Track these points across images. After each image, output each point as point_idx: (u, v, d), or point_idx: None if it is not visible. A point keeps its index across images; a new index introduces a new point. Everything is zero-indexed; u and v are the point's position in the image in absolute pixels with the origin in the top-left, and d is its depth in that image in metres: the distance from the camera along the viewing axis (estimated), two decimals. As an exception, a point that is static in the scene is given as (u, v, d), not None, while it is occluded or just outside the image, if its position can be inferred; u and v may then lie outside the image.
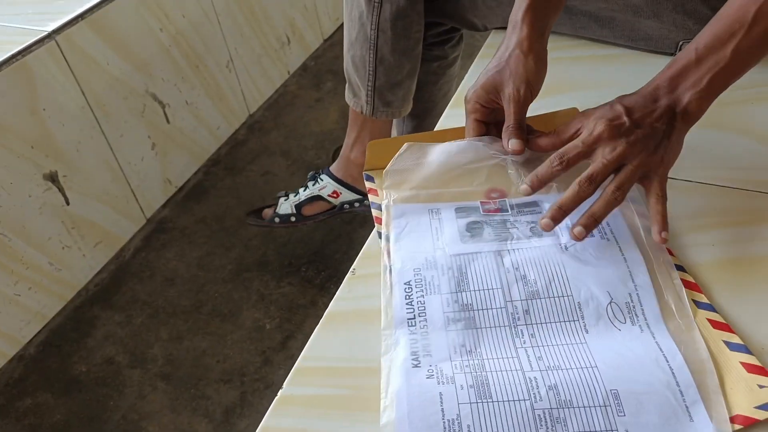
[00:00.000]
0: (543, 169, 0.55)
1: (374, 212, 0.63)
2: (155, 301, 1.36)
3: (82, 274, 1.38)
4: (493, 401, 0.44)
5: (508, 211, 0.60)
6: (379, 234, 0.61)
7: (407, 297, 0.53)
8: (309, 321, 1.27)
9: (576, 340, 0.48)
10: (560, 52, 0.88)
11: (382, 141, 0.67)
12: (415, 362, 0.48)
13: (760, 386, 0.45)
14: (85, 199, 1.35)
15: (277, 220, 1.29)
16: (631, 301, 0.51)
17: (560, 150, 0.55)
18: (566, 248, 0.55)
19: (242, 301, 1.34)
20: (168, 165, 1.58)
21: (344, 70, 1.03)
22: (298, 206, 1.27)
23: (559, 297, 0.51)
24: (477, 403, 0.44)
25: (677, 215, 0.59)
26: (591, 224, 0.53)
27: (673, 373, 0.45)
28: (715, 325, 0.49)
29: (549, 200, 0.60)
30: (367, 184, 0.67)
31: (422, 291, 0.53)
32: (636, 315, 0.50)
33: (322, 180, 1.25)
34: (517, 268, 0.53)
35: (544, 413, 0.43)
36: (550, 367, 0.46)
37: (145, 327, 1.30)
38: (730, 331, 0.49)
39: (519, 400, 0.44)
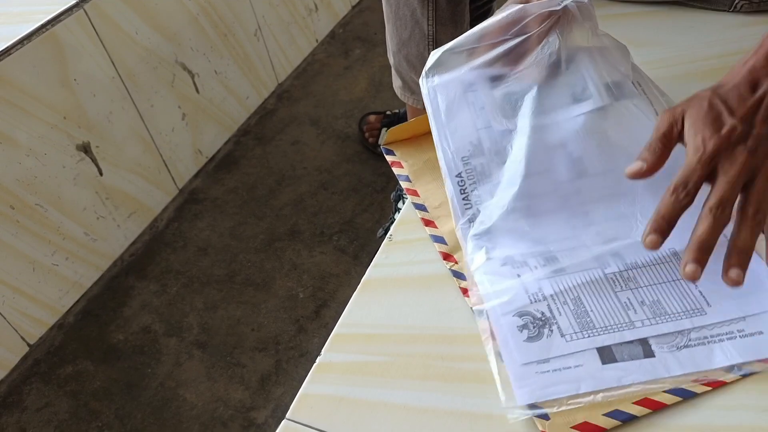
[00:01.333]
0: (666, 207, 0.44)
1: (403, 184, 0.62)
2: (189, 270, 1.36)
3: (117, 245, 1.40)
4: (567, 273, 0.49)
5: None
6: (414, 205, 0.59)
7: (462, 191, 0.53)
8: (342, 290, 1.27)
9: (628, 213, 0.51)
10: (609, 9, 0.84)
11: (404, 125, 0.65)
12: (488, 256, 0.51)
13: None
14: (118, 170, 1.36)
15: None
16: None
17: (678, 179, 0.44)
18: (607, 112, 0.53)
19: (275, 270, 1.34)
20: (198, 135, 1.57)
21: (394, 68, 1.00)
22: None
23: (606, 172, 0.52)
24: (553, 277, 0.49)
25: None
26: (745, 261, 0.43)
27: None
28: None
29: (578, 56, 0.55)
30: (389, 158, 0.64)
31: (475, 183, 0.53)
32: None
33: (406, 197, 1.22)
34: (564, 145, 0.52)
35: (615, 275, 0.48)
36: (608, 239, 0.50)
37: (180, 296, 1.32)
38: None
39: (590, 269, 0.49)
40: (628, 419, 0.42)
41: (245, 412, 1.12)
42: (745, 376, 0.43)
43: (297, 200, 1.49)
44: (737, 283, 0.42)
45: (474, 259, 0.51)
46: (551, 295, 0.48)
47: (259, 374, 1.17)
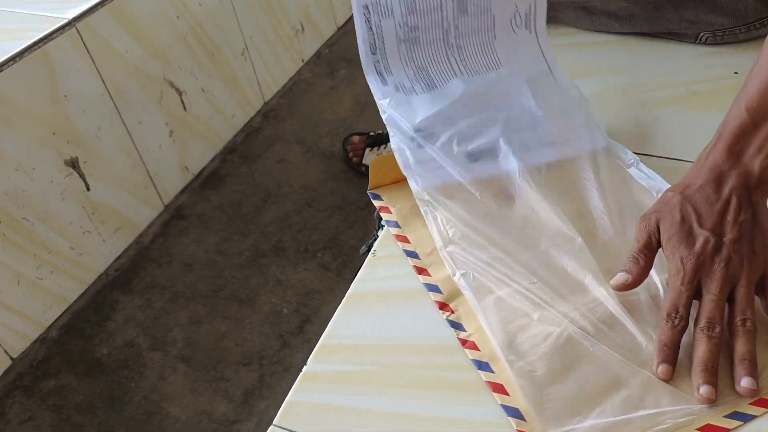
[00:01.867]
0: (666, 335, 0.45)
1: (392, 230, 0.61)
2: (174, 285, 1.38)
3: (103, 259, 1.41)
4: (436, 88, 0.62)
5: None
6: (405, 252, 0.59)
7: (367, 21, 0.61)
8: (325, 306, 1.29)
9: (489, 50, 0.63)
10: (578, 38, 0.88)
11: (384, 158, 0.64)
12: (383, 80, 0.62)
13: None
14: (105, 186, 1.37)
15: None
16: (530, 11, 0.63)
17: (668, 306, 0.45)
18: None
19: (259, 286, 1.36)
20: (185, 152, 1.59)
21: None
22: None
23: (482, 13, 0.63)
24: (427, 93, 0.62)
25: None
26: (753, 370, 0.44)
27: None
28: None
29: None
30: (376, 203, 0.64)
31: (378, 14, 0.61)
32: (531, 22, 0.64)
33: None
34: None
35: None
36: (469, 68, 0.63)
37: (165, 311, 1.33)
38: None
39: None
40: None
41: (229, 425, 1.13)
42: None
43: (282, 217, 1.51)
44: (754, 393, 0.43)
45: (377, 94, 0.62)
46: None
47: (242, 388, 1.18)
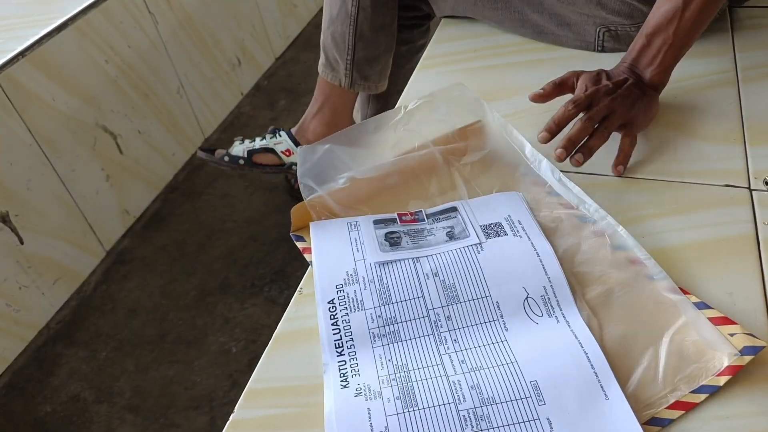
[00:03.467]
0: (559, 115, 0.68)
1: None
2: (119, 333, 1.35)
3: (43, 313, 1.37)
4: (419, 409, 0.46)
5: (424, 221, 0.62)
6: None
7: (332, 317, 0.54)
8: (275, 340, 1.27)
9: (497, 339, 0.50)
10: (504, 59, 0.92)
11: (303, 204, 0.67)
12: (344, 383, 0.50)
13: (731, 335, 0.48)
14: (40, 237, 1.34)
15: (226, 159, 1.33)
16: (546, 293, 0.53)
17: (569, 101, 0.69)
18: (481, 248, 0.57)
19: (207, 326, 1.34)
20: (124, 195, 1.57)
21: (322, 45, 1.10)
22: (251, 152, 1.32)
23: (478, 299, 0.53)
24: (404, 413, 0.46)
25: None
26: (587, 154, 0.67)
27: (587, 357, 0.48)
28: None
29: (464, 206, 0.63)
30: (299, 245, 0.66)
31: (346, 309, 0.55)
32: (552, 307, 0.52)
33: (280, 136, 1.31)
34: (436, 274, 0.55)
35: (468, 413, 0.45)
36: (472, 368, 0.48)
37: (110, 360, 1.29)
38: (687, 293, 0.53)
39: (444, 404, 0.46)
40: None
41: (181, 474, 1.10)
42: None
43: (227, 253, 1.49)
44: (579, 163, 0.67)
45: (328, 389, 0.50)
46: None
47: (194, 434, 1.15)
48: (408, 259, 0.57)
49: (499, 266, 0.55)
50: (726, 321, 0.50)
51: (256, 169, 1.32)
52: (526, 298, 0.53)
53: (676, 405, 0.47)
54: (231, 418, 0.53)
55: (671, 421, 0.46)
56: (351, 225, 0.63)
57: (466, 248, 0.57)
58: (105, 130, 1.49)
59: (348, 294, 0.55)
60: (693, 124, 0.76)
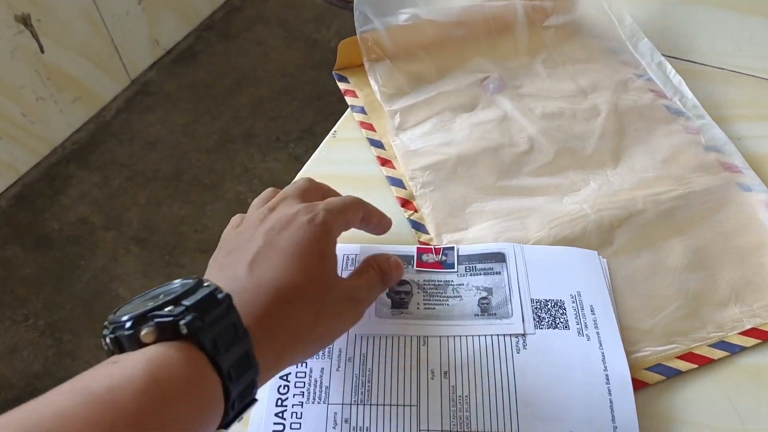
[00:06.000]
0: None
1: (356, 116, 0.55)
2: (135, 164, 1.30)
3: (59, 131, 1.32)
4: None
5: (453, 267, 0.41)
6: (369, 140, 0.53)
7: (280, 402, 0.36)
8: (293, 199, 1.22)
9: None
10: None
11: (355, 39, 0.56)
12: None
13: None
14: (62, 50, 1.26)
15: None
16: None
17: None
18: (525, 344, 0.37)
19: (225, 172, 1.28)
20: (156, 24, 1.47)
21: None
22: None
23: None
24: None
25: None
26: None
27: None
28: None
29: (517, 255, 0.41)
30: (341, 86, 0.57)
31: (303, 395, 0.36)
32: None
33: None
34: (446, 373, 0.36)
35: None
36: None
37: (123, 190, 1.25)
38: None
39: None
40: None
41: (181, 312, 1.09)
42: None
43: (256, 103, 1.41)
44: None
45: None
46: None
47: (198, 275, 1.13)
48: (411, 336, 0.38)
49: (544, 383, 0.36)
50: None
51: None
52: None
53: (752, 332, 0.40)
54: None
55: (742, 349, 0.40)
56: (347, 259, 0.42)
57: (502, 339, 0.37)
58: (143, -55, 1.37)
59: (311, 372, 0.37)
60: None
